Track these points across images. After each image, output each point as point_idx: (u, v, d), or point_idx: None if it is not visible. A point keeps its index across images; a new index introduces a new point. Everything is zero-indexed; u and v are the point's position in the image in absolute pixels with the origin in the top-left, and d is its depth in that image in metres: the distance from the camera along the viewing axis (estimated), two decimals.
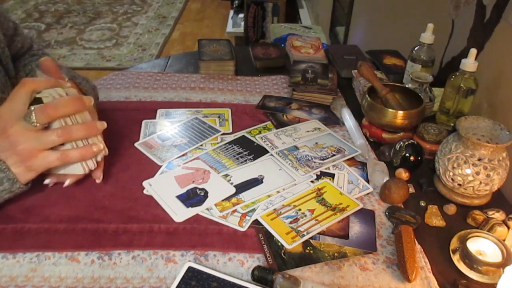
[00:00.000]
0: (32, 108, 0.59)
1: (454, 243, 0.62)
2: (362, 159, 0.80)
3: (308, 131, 0.87)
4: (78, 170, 0.65)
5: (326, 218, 0.65)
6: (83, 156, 0.63)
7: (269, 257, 0.59)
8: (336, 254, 0.60)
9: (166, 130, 0.85)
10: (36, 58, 0.85)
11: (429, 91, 0.90)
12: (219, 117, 0.91)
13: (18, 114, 0.59)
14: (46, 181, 0.66)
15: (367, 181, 0.74)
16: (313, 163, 0.77)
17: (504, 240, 0.62)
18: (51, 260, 0.57)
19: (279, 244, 0.61)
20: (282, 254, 0.59)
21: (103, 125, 0.65)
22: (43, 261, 0.57)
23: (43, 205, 0.66)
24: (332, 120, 0.91)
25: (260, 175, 0.73)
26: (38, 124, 0.59)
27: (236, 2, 3.45)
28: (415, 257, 0.58)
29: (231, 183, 0.71)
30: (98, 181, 0.69)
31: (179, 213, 0.65)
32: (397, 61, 1.14)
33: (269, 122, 0.90)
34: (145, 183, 0.71)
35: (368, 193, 0.72)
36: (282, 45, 1.28)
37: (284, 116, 0.92)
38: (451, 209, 0.69)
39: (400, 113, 0.80)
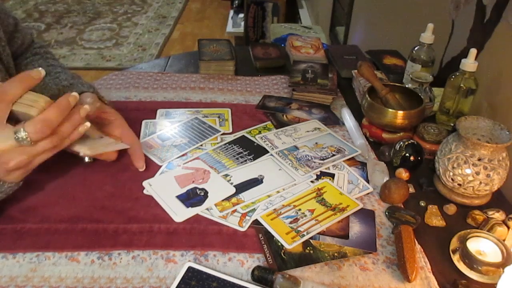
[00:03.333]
0: (22, 127, 0.54)
1: (454, 243, 0.62)
2: (362, 159, 0.80)
3: (308, 131, 0.87)
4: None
5: (326, 218, 0.65)
6: (72, 141, 0.61)
7: (269, 257, 0.59)
8: (336, 254, 0.60)
9: (166, 130, 0.85)
10: (38, 57, 0.84)
11: (429, 91, 0.90)
12: (219, 117, 0.91)
13: (7, 137, 0.54)
14: (86, 159, 0.70)
15: (367, 181, 0.74)
16: (313, 163, 0.77)
17: (504, 240, 0.62)
18: (51, 260, 0.57)
19: (279, 244, 0.61)
20: (282, 254, 0.59)
21: (85, 110, 0.61)
22: (43, 261, 0.57)
23: (43, 205, 0.66)
24: (332, 120, 0.91)
25: (260, 175, 0.73)
26: (32, 143, 0.55)
27: (236, 2, 3.45)
28: (415, 257, 0.58)
29: (231, 183, 0.71)
30: (141, 169, 0.73)
31: (179, 213, 0.65)
32: (397, 61, 1.14)
33: (269, 122, 0.90)
34: (145, 183, 0.71)
35: (368, 193, 0.72)
36: (282, 45, 1.28)
37: (284, 116, 0.92)
38: (451, 209, 0.69)
39: (400, 113, 0.80)
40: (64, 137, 0.59)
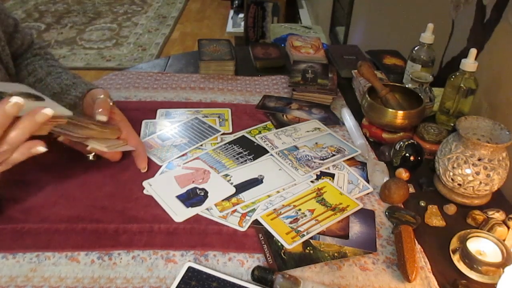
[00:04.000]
0: None
1: (454, 243, 0.62)
2: (362, 159, 0.80)
3: (308, 131, 0.87)
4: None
5: (326, 218, 0.65)
6: (23, 154, 0.56)
7: (269, 257, 0.59)
8: (336, 254, 0.60)
9: (166, 130, 0.85)
10: (39, 58, 0.84)
11: (429, 91, 0.90)
12: (219, 117, 0.90)
13: None
14: (91, 157, 0.71)
15: (367, 181, 0.74)
16: (313, 163, 0.77)
17: (504, 240, 0.62)
18: (51, 260, 0.57)
19: (279, 244, 0.61)
20: (282, 254, 0.59)
21: (44, 116, 0.54)
22: (43, 261, 0.57)
23: (43, 205, 0.65)
24: (332, 120, 0.91)
25: (260, 175, 0.73)
26: None
27: (236, 2, 3.45)
28: (415, 257, 0.58)
29: (231, 183, 0.71)
30: (143, 171, 0.73)
31: (179, 213, 0.65)
32: (397, 61, 1.14)
33: (269, 122, 0.90)
34: (145, 183, 0.71)
35: (368, 193, 0.72)
36: (282, 45, 1.28)
37: (284, 116, 0.92)
38: (451, 209, 0.69)
39: (400, 113, 0.80)
40: (10, 148, 0.54)
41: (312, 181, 0.73)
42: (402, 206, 0.70)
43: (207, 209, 0.66)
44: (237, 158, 0.78)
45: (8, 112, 0.52)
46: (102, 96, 0.72)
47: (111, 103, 0.72)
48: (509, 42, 0.84)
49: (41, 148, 0.56)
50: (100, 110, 0.68)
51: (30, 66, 0.81)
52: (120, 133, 0.72)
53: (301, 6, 3.42)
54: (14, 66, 0.79)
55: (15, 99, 0.52)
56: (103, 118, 0.67)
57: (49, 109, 0.54)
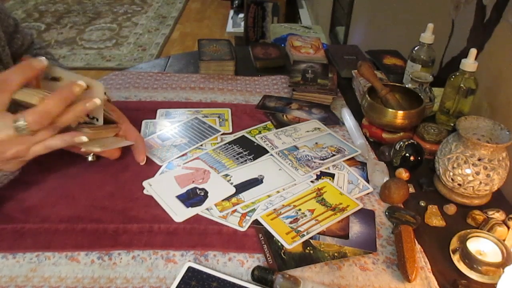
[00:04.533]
0: (22, 116, 0.53)
1: (454, 243, 0.62)
2: (362, 159, 0.80)
3: (308, 131, 0.87)
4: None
5: (326, 218, 0.65)
6: (65, 143, 0.59)
7: (269, 257, 0.59)
8: (336, 254, 0.60)
9: (166, 130, 0.85)
10: None
11: (429, 91, 0.90)
12: (219, 117, 0.91)
13: (6, 126, 0.54)
14: (90, 158, 0.71)
15: (367, 181, 0.74)
16: (313, 163, 0.77)
17: (504, 240, 0.62)
18: (51, 260, 0.57)
19: (279, 244, 0.61)
20: (282, 254, 0.59)
21: (93, 104, 0.58)
22: (43, 261, 0.57)
23: (43, 205, 0.65)
24: (332, 120, 0.91)
25: (260, 175, 0.73)
26: (30, 132, 0.55)
27: (236, 2, 3.45)
28: (415, 257, 0.58)
29: (231, 183, 0.71)
30: (142, 163, 0.73)
31: (179, 213, 0.65)
32: (397, 61, 1.14)
33: (269, 122, 0.90)
34: (145, 183, 0.71)
35: (368, 193, 0.72)
36: (282, 45, 1.28)
37: (284, 116, 0.92)
38: (451, 209, 0.69)
39: (400, 113, 0.80)
40: (64, 127, 0.58)
41: (312, 181, 0.73)
42: (402, 206, 0.70)
43: (207, 209, 0.66)
44: (237, 158, 0.78)
45: (75, 92, 0.56)
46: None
47: (106, 99, 0.72)
48: (509, 42, 0.84)
49: (84, 138, 0.59)
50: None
51: None
52: (118, 130, 0.71)
53: (301, 6, 3.42)
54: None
55: (82, 82, 0.56)
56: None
57: (98, 99, 0.59)
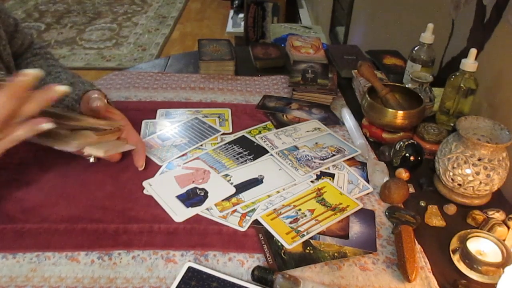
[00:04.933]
0: None
1: (454, 243, 0.62)
2: (362, 159, 0.80)
3: (308, 131, 0.87)
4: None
5: (326, 218, 0.65)
6: (26, 131, 0.54)
7: (269, 257, 0.59)
8: (336, 254, 0.60)
9: (166, 130, 0.85)
10: (39, 58, 0.84)
11: (429, 91, 0.90)
12: (219, 117, 0.90)
13: None
14: (91, 160, 0.71)
15: (367, 181, 0.74)
16: (313, 163, 0.77)
17: (504, 240, 0.62)
18: (51, 260, 0.57)
19: (279, 244, 0.61)
20: (282, 254, 0.59)
21: (58, 91, 0.55)
22: (43, 261, 0.57)
23: (43, 205, 0.65)
24: (332, 120, 0.91)
25: (260, 175, 0.73)
26: None
27: (236, 2, 3.45)
28: (415, 257, 0.58)
29: (231, 183, 0.71)
30: (140, 169, 0.73)
31: (179, 213, 0.65)
32: (397, 61, 1.14)
33: (269, 122, 0.90)
34: (145, 183, 0.71)
35: (368, 193, 0.72)
36: (282, 45, 1.28)
37: (284, 116, 0.92)
38: (451, 209, 0.69)
39: (400, 113, 0.80)
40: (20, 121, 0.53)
41: (312, 181, 0.73)
42: (402, 206, 0.70)
43: (207, 209, 0.66)
44: (237, 158, 0.78)
45: (22, 84, 0.52)
46: (95, 95, 0.71)
47: (105, 101, 0.72)
48: (509, 42, 0.84)
49: (47, 125, 0.54)
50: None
51: (30, 65, 0.81)
52: (120, 134, 0.72)
53: (301, 6, 3.42)
54: (15, 65, 0.79)
55: (34, 71, 0.53)
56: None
57: (65, 86, 0.55)
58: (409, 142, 0.76)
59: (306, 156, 0.79)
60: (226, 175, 0.73)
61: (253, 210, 0.66)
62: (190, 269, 0.56)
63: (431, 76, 0.89)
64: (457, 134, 0.69)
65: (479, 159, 0.66)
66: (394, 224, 0.65)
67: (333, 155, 0.80)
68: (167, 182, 0.71)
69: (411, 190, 0.73)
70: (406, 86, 0.90)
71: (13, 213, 0.64)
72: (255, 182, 0.72)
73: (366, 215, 0.67)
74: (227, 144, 0.82)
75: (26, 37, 0.85)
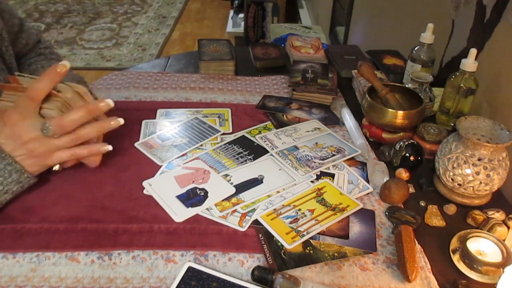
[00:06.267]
0: (48, 123, 0.61)
1: (454, 243, 0.62)
2: (362, 159, 0.80)
3: (308, 131, 0.87)
4: None
5: (326, 218, 0.65)
6: (91, 152, 0.67)
7: (269, 257, 0.59)
8: (336, 254, 0.60)
9: (166, 130, 0.85)
10: (42, 58, 0.84)
11: (429, 91, 0.90)
12: (219, 117, 0.91)
13: (35, 127, 0.62)
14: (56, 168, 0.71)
15: (367, 181, 0.74)
16: (313, 163, 0.77)
17: (504, 240, 0.62)
18: (51, 260, 0.57)
19: (279, 244, 0.61)
20: (282, 254, 0.59)
21: (117, 122, 0.66)
22: (43, 261, 0.57)
23: (43, 205, 0.65)
24: (332, 120, 0.91)
25: (260, 175, 0.73)
26: (55, 135, 0.62)
27: (236, 2, 3.45)
28: (415, 257, 0.58)
29: (231, 183, 0.71)
30: (93, 165, 0.71)
31: (179, 213, 0.65)
32: (397, 61, 1.14)
33: (269, 122, 0.90)
34: (145, 183, 0.71)
35: (368, 193, 0.72)
36: (282, 45, 1.28)
37: (284, 116, 0.92)
38: (451, 209, 0.69)
39: (400, 113, 0.80)
40: (82, 140, 0.65)
41: (312, 181, 0.73)
42: (402, 206, 0.70)
43: (207, 209, 0.66)
44: (237, 158, 0.78)
45: (100, 108, 0.64)
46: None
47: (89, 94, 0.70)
48: (509, 42, 0.84)
49: (110, 147, 0.68)
50: None
51: (32, 66, 0.81)
52: (22, 91, 0.65)
53: (301, 6, 3.42)
54: (18, 65, 0.79)
55: (108, 101, 0.64)
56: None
57: (122, 119, 0.66)
58: (409, 142, 0.76)
59: (306, 156, 0.79)
60: (226, 175, 0.73)
61: (253, 210, 0.66)
62: (190, 269, 0.56)
63: (431, 76, 0.89)
64: (457, 134, 0.69)
65: (479, 159, 0.66)
66: (394, 224, 0.65)
67: (333, 155, 0.80)
68: (167, 182, 0.71)
69: (411, 190, 0.73)
70: (406, 86, 0.90)
71: (13, 213, 0.64)
72: (255, 182, 0.72)
73: (366, 215, 0.67)
74: (227, 144, 0.82)
75: (32, 36, 0.85)
